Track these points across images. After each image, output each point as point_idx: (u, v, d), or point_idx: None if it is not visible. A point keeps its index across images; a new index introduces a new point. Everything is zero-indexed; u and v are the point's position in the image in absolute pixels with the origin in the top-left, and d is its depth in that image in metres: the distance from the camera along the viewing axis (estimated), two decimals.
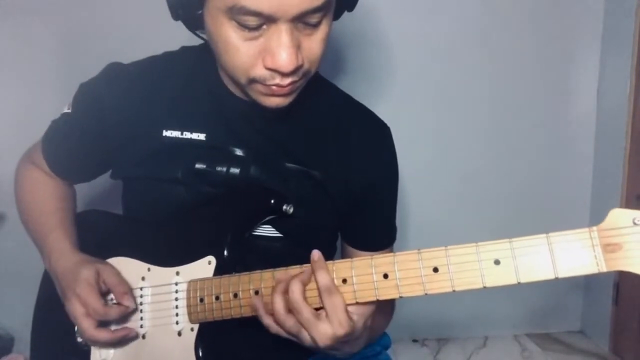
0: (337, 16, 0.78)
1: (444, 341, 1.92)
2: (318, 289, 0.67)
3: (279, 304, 0.68)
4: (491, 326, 1.94)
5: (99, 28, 1.57)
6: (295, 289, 0.67)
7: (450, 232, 1.81)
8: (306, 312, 0.67)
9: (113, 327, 0.82)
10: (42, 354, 0.96)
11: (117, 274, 0.82)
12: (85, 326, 0.78)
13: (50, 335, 0.94)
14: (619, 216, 0.57)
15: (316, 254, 0.69)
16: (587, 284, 1.93)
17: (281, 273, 0.71)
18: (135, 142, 0.86)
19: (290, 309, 0.68)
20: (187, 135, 0.85)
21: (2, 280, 1.67)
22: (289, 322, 0.68)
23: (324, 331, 0.66)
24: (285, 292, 0.68)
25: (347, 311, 0.67)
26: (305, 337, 0.68)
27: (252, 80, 0.73)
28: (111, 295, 0.82)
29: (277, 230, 0.87)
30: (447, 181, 1.81)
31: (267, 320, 0.70)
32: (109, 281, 0.81)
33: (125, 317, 0.82)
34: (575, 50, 1.79)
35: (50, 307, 0.91)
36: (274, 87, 0.73)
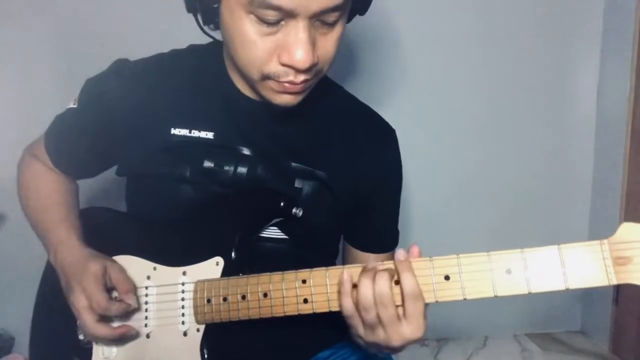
0: (348, 19, 0.78)
1: (444, 341, 1.93)
2: (402, 290, 0.64)
3: (368, 292, 0.65)
4: (491, 326, 1.95)
5: (99, 27, 1.56)
6: (385, 284, 0.64)
7: (453, 232, 1.81)
8: (392, 309, 0.64)
9: (115, 324, 0.82)
10: (42, 352, 0.95)
11: (123, 271, 0.82)
12: (87, 319, 0.78)
13: (52, 332, 0.93)
14: (630, 230, 0.58)
15: (402, 254, 0.66)
16: None
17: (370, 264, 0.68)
18: (143, 139, 0.86)
19: (376, 302, 0.65)
20: (196, 133, 0.84)
21: (2, 280, 1.66)
22: (371, 313, 0.65)
23: (403, 333, 0.65)
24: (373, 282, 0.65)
25: (425, 316, 0.65)
26: (380, 333, 0.66)
27: (266, 77, 0.73)
28: (115, 293, 0.82)
29: (282, 232, 0.86)
30: (449, 182, 1.82)
31: (347, 301, 0.67)
32: (114, 278, 0.81)
33: (127, 315, 0.82)
34: (575, 50, 1.79)
35: (52, 304, 0.91)
36: (286, 84, 0.73)
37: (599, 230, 1.82)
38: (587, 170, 1.88)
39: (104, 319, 0.80)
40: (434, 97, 1.74)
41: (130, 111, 0.86)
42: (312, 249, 0.89)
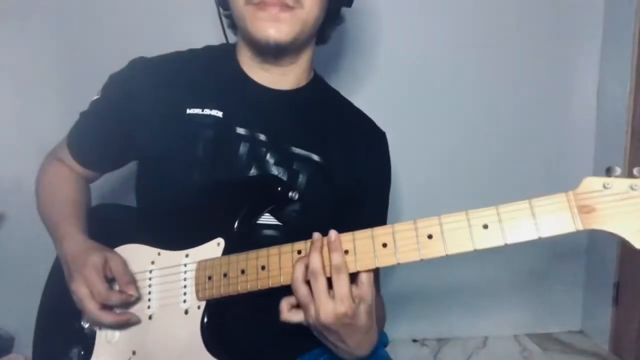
0: (335, 11, 0.86)
1: (444, 341, 1.92)
2: (330, 266, 0.71)
3: (298, 271, 0.72)
4: (491, 326, 1.94)
5: (99, 28, 1.57)
6: (317, 259, 0.71)
7: None
8: (322, 281, 0.70)
9: (117, 311, 0.85)
10: (47, 340, 0.98)
11: (124, 263, 0.86)
12: (90, 307, 0.82)
13: (56, 319, 0.96)
14: (592, 182, 0.63)
15: (333, 235, 0.72)
16: (587, 283, 1.93)
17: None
18: (160, 121, 0.91)
19: (308, 278, 0.71)
20: (207, 111, 0.90)
21: (2, 280, 1.66)
22: (303, 290, 0.71)
23: (328, 307, 0.70)
24: (307, 262, 0.72)
25: (350, 290, 0.71)
26: (311, 311, 0.71)
27: (248, 1, 0.82)
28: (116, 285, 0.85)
29: (279, 219, 0.90)
30: (446, 182, 1.82)
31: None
32: (115, 269, 0.84)
33: (129, 303, 0.85)
34: (575, 50, 1.80)
35: (57, 293, 0.93)
36: (263, 4, 0.81)
37: None
38: (587, 170, 1.87)
39: (107, 306, 0.83)
40: (433, 97, 1.74)
41: (149, 97, 0.91)
42: (306, 236, 0.91)
